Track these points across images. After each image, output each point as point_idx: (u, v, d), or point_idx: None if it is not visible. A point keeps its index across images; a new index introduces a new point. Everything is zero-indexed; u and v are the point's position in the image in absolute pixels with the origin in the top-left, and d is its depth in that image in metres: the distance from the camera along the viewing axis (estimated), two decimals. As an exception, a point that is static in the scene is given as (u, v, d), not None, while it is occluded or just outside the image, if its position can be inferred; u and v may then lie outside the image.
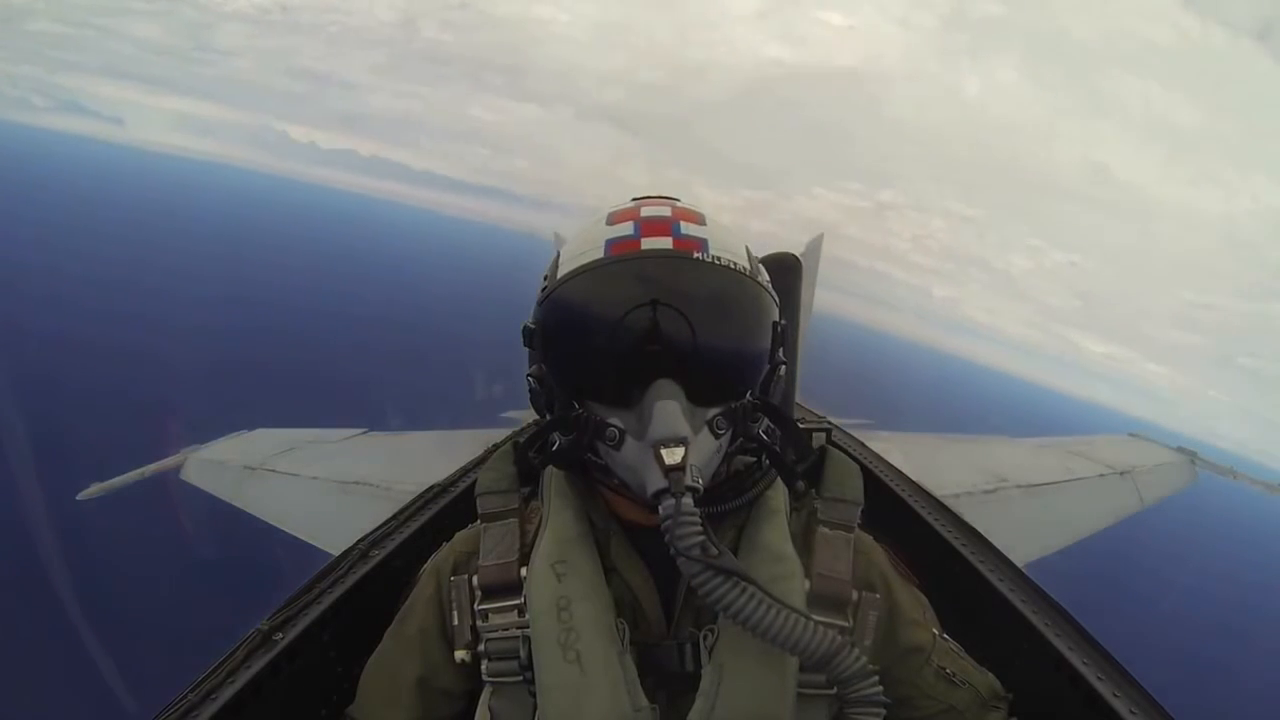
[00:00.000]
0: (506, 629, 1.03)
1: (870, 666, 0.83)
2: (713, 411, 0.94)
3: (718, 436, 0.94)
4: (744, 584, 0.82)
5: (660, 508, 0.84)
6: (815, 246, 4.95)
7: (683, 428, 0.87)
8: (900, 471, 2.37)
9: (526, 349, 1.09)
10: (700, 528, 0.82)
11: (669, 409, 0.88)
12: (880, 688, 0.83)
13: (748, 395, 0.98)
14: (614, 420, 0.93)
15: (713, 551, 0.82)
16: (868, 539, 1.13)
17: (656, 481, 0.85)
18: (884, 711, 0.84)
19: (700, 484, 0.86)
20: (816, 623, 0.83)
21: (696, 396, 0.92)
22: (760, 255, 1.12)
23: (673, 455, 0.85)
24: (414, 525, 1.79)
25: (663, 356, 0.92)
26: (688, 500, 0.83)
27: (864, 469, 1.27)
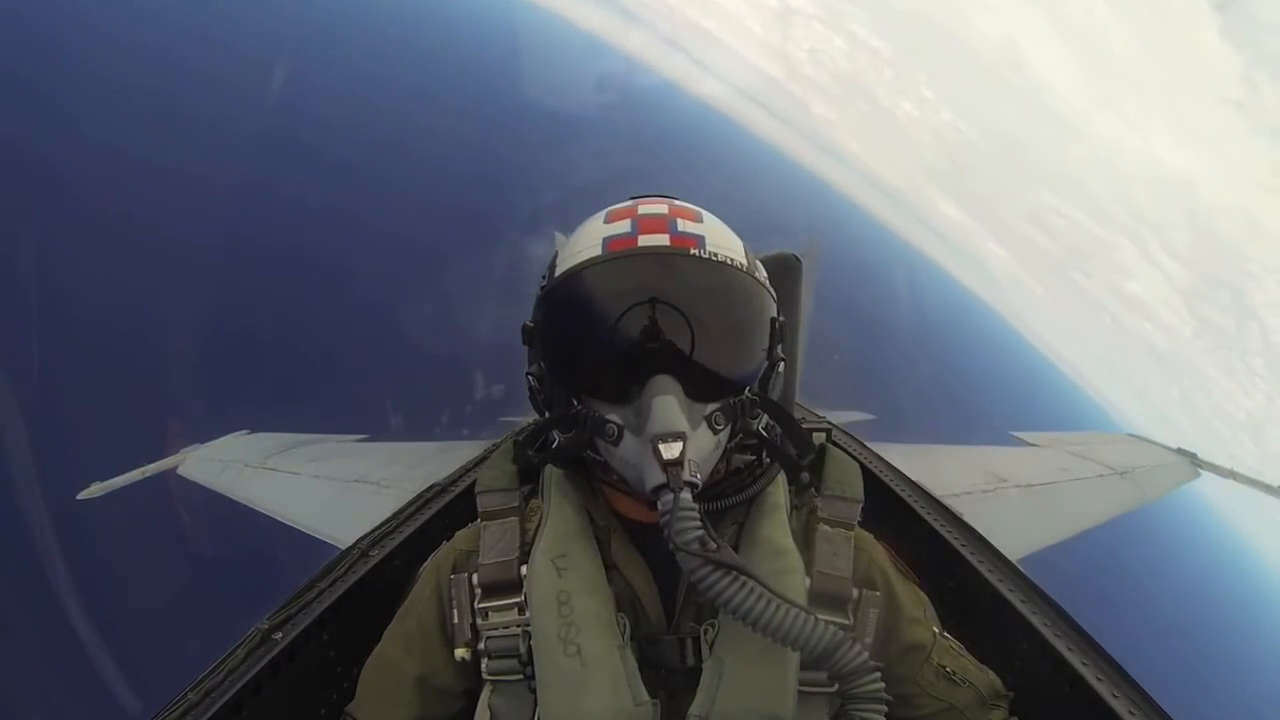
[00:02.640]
0: (507, 627, 1.04)
1: (872, 662, 0.82)
2: (711, 407, 0.94)
3: (716, 432, 0.95)
4: (744, 578, 0.81)
5: (659, 503, 0.84)
6: (815, 247, 4.97)
7: (681, 423, 0.88)
8: (899, 471, 2.37)
9: (526, 348, 1.10)
10: (699, 522, 0.82)
11: (667, 404, 0.89)
12: (882, 684, 0.82)
13: (746, 391, 0.99)
14: (613, 416, 0.94)
15: (711, 546, 0.82)
16: (868, 536, 1.13)
17: (655, 477, 0.85)
18: (885, 708, 0.83)
19: (699, 479, 0.86)
20: (817, 617, 0.82)
21: (695, 392, 0.93)
22: (760, 255, 1.13)
23: (671, 450, 0.86)
24: (414, 525, 1.79)
25: (661, 352, 0.93)
26: (686, 495, 0.83)
27: (864, 468, 1.27)
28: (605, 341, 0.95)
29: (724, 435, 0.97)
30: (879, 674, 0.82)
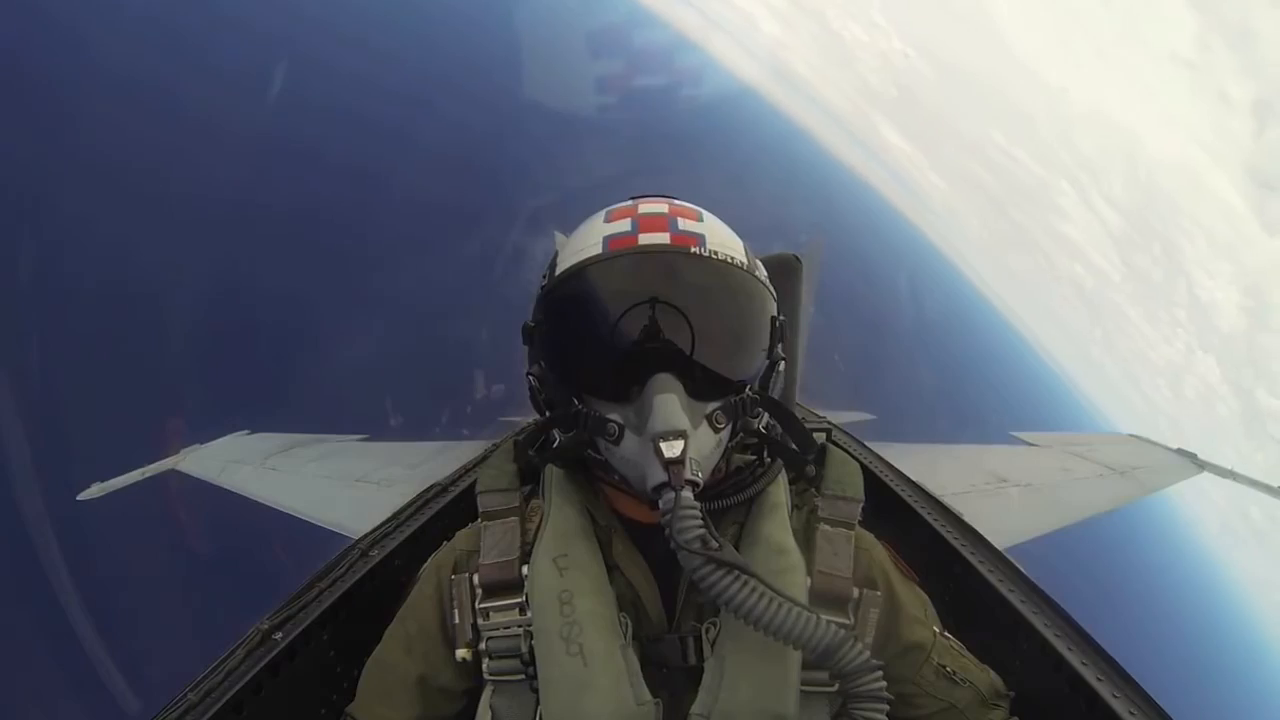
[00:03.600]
0: (508, 627, 1.03)
1: (874, 660, 0.82)
2: (712, 406, 0.94)
3: (717, 431, 0.95)
4: (745, 577, 0.81)
5: (660, 501, 0.84)
6: (815, 248, 4.98)
7: (682, 421, 0.88)
8: (900, 471, 2.36)
9: (526, 348, 1.10)
10: (701, 521, 0.82)
11: (668, 403, 0.89)
12: (884, 682, 0.82)
13: (746, 390, 0.99)
14: (613, 416, 0.94)
15: (713, 545, 0.82)
16: (868, 536, 1.13)
17: (656, 475, 0.85)
18: (887, 706, 0.82)
19: (700, 477, 0.86)
20: (819, 616, 0.82)
21: (695, 391, 0.93)
22: (760, 255, 1.13)
23: (672, 449, 0.85)
24: (414, 525, 1.78)
25: (661, 351, 0.93)
26: (687, 494, 0.83)
27: (863, 468, 1.27)
28: (606, 340, 0.95)
29: (725, 434, 0.97)
30: (880, 673, 0.81)
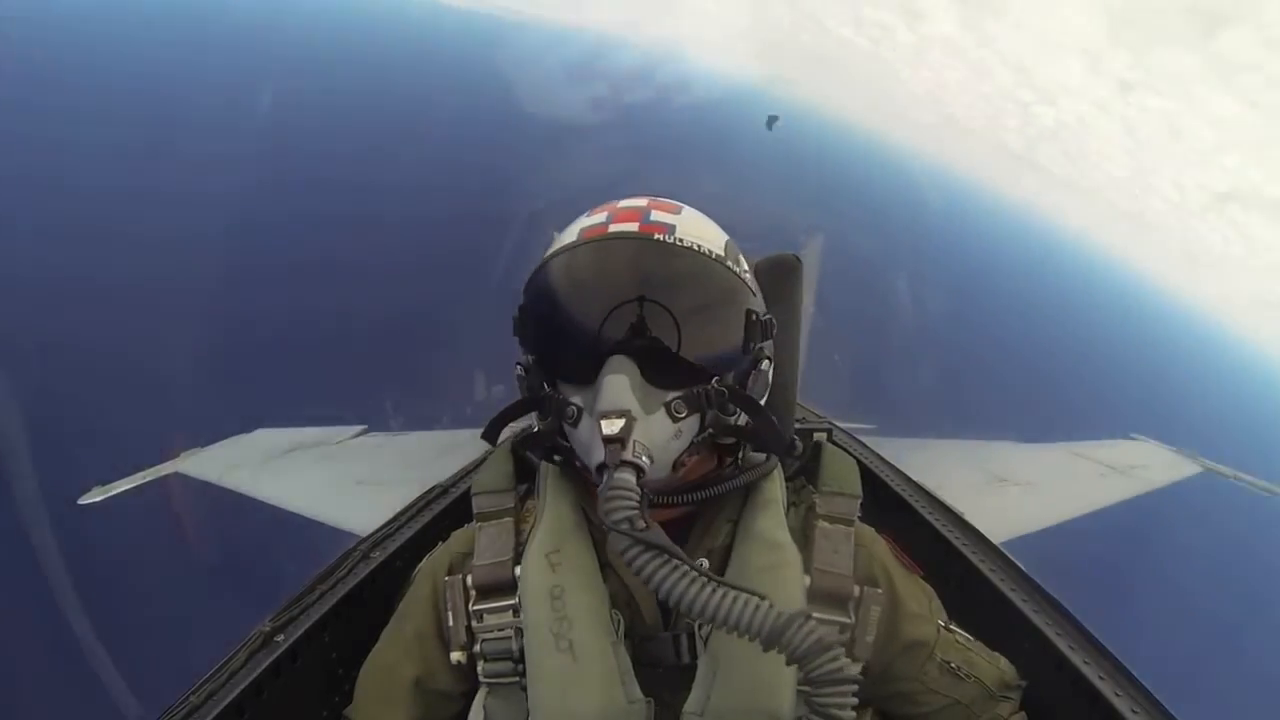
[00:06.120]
0: (502, 629, 1.03)
1: (827, 639, 0.70)
2: (672, 395, 0.92)
3: (676, 420, 0.92)
4: (675, 561, 0.74)
5: (601, 481, 0.82)
6: (814, 247, 4.98)
7: (626, 401, 0.86)
8: (900, 470, 2.35)
9: (517, 339, 1.10)
10: (633, 502, 0.77)
11: (615, 383, 0.87)
12: (844, 661, 0.70)
13: (714, 382, 0.95)
14: (575, 399, 0.94)
15: (640, 525, 0.76)
16: (869, 531, 1.12)
17: (598, 454, 0.84)
18: (855, 686, 0.71)
19: (644, 461, 0.83)
20: (760, 598, 0.72)
21: (653, 377, 0.91)
22: (760, 257, 1.13)
23: (611, 426, 0.84)
24: (415, 526, 1.79)
25: (618, 334, 0.92)
26: (626, 475, 0.80)
27: (863, 467, 1.27)
28: (569, 324, 0.96)
29: (687, 425, 0.93)
30: (839, 650, 0.70)
